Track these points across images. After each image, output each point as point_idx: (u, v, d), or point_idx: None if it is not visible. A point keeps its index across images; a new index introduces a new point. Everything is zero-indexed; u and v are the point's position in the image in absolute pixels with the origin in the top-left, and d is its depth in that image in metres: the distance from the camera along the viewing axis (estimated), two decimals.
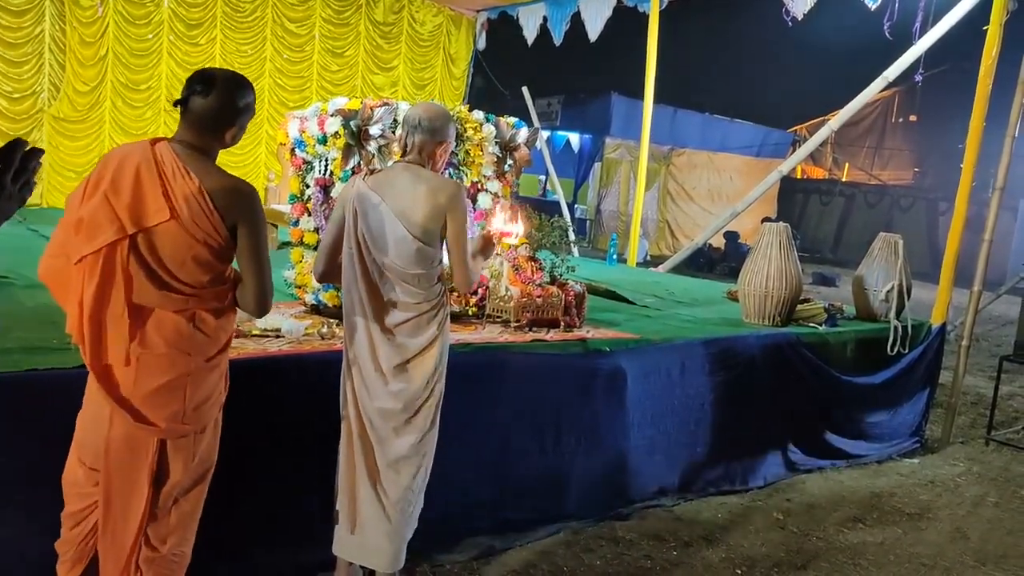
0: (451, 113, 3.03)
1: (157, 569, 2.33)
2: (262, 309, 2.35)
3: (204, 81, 2.23)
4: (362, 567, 2.97)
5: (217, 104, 2.24)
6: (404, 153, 2.88)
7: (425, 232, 2.75)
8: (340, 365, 2.97)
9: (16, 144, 1.46)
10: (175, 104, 2.29)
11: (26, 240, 5.84)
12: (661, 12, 8.67)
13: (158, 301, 2.20)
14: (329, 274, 2.97)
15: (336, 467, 2.96)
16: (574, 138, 19.14)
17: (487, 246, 2.95)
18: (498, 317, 4.26)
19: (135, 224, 2.16)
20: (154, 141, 2.26)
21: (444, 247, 2.86)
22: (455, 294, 4.10)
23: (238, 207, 2.24)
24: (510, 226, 3.01)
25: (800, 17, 7.15)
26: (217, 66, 10.05)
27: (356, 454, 2.86)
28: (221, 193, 2.22)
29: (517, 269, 4.27)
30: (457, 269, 2.84)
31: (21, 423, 2.56)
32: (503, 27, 11.60)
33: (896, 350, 5.49)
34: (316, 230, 4.12)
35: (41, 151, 1.49)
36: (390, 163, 3.92)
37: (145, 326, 2.21)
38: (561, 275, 4.49)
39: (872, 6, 6.82)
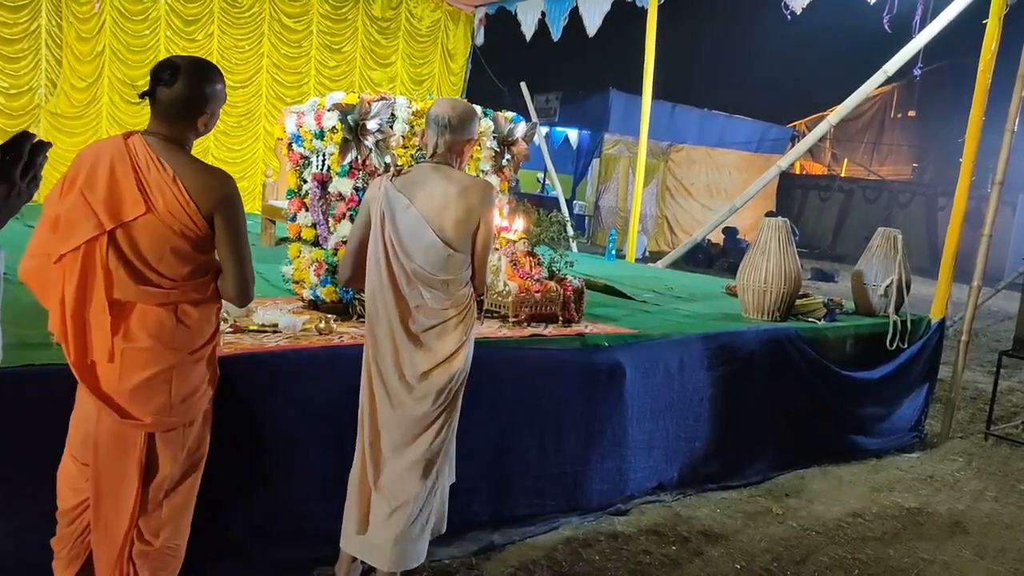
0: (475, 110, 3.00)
1: (152, 563, 2.33)
2: (244, 298, 2.34)
3: (169, 70, 2.21)
4: (363, 563, 2.97)
5: (184, 93, 2.21)
6: (432, 153, 2.81)
7: (457, 239, 2.71)
8: (338, 361, 2.96)
9: (23, 137, 1.43)
10: (141, 96, 2.26)
11: (24, 237, 5.81)
12: (659, 7, 8.65)
13: (138, 295, 2.19)
14: (355, 279, 2.91)
15: (339, 463, 2.95)
16: (573, 134, 19.13)
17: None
18: (496, 312, 4.25)
19: (112, 219, 2.15)
20: (127, 135, 2.24)
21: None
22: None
23: (214, 196, 2.22)
24: (507, 222, 3.01)
25: (799, 11, 7.13)
26: (208, 61, 10.07)
27: (367, 459, 2.85)
28: (196, 183, 2.20)
29: (515, 264, 4.26)
30: (479, 269, 2.84)
31: (18, 418, 2.55)
32: (501, 22, 11.58)
33: (895, 345, 5.48)
34: (313, 225, 4.11)
35: (48, 144, 1.46)
36: (387, 157, 3.92)
37: (128, 321, 2.20)
38: (559, 270, 4.48)
39: (871, 0, 6.80)
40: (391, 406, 2.78)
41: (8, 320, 3.09)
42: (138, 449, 2.24)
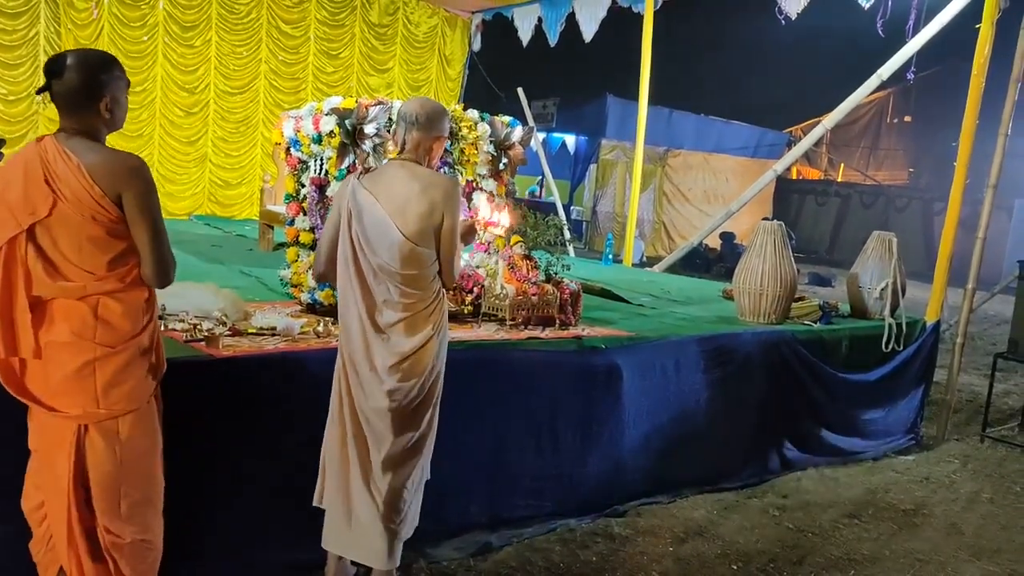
0: (446, 108, 3.04)
1: (128, 557, 2.36)
2: (163, 279, 2.35)
3: (56, 64, 2.26)
4: (356, 563, 2.98)
5: (75, 81, 2.26)
6: (401, 150, 2.86)
7: (419, 234, 2.74)
8: (336, 364, 2.97)
9: None
10: (38, 92, 2.33)
11: None
12: (656, 13, 8.68)
13: (56, 291, 2.25)
14: (327, 274, 2.97)
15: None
16: (570, 140, 19.17)
17: (469, 233, 2.98)
18: (493, 316, 4.27)
19: (29, 216, 2.21)
20: (41, 138, 2.30)
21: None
22: (451, 293, 4.11)
23: (119, 178, 2.25)
24: (496, 216, 3.04)
25: (794, 16, 7.15)
26: (205, 68, 10.12)
27: (350, 453, 2.86)
28: (100, 167, 2.24)
29: (512, 268, 4.28)
30: (445, 264, 2.86)
31: (15, 419, 2.56)
32: (498, 28, 11.59)
33: (891, 347, 5.51)
34: (312, 229, 4.13)
35: (2, 141, 1.50)
36: (384, 161, 3.94)
37: (51, 316, 2.26)
38: (556, 273, 4.50)
39: (865, 5, 6.83)
40: (365, 397, 2.81)
41: None
42: (68, 443, 2.28)
